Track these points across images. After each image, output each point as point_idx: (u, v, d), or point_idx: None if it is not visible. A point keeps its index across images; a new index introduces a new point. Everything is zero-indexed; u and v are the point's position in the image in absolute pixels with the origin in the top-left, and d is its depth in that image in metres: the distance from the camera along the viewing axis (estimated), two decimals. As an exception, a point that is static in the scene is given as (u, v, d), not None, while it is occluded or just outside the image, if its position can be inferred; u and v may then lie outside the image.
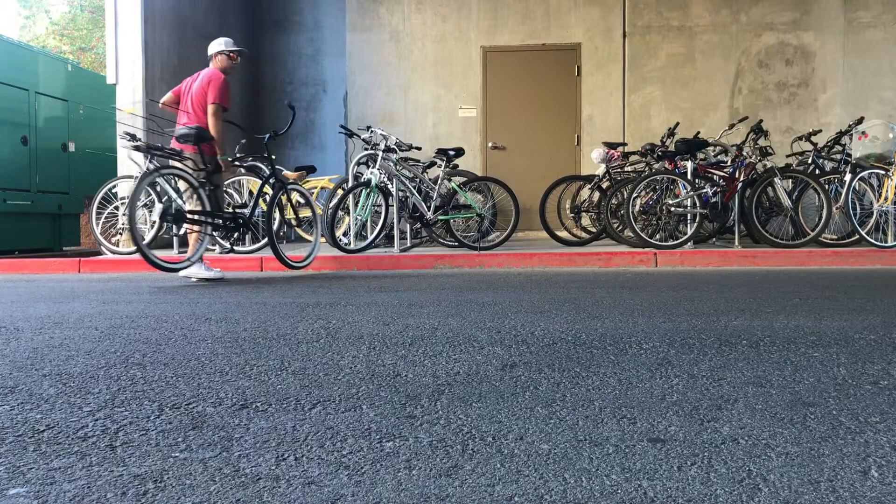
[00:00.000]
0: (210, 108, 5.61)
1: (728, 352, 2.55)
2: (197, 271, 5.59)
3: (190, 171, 5.61)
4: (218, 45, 5.87)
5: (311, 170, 6.56)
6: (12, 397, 2.08)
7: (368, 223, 7.32)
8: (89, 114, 10.48)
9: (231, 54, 5.84)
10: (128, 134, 7.54)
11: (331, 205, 6.85)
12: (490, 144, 10.06)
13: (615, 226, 7.47)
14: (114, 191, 7.73)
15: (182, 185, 6.74)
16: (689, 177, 6.90)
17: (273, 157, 6.03)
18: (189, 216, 5.54)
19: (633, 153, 8.10)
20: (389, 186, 7.10)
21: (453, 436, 1.67)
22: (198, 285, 5.32)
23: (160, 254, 6.00)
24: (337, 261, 6.56)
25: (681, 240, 6.81)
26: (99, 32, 22.74)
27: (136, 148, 5.66)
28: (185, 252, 7.42)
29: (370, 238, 7.15)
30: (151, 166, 5.48)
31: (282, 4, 10.64)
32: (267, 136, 5.85)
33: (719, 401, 1.93)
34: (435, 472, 1.45)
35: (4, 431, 1.76)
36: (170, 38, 8.64)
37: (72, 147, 10.13)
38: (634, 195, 6.89)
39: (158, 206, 5.63)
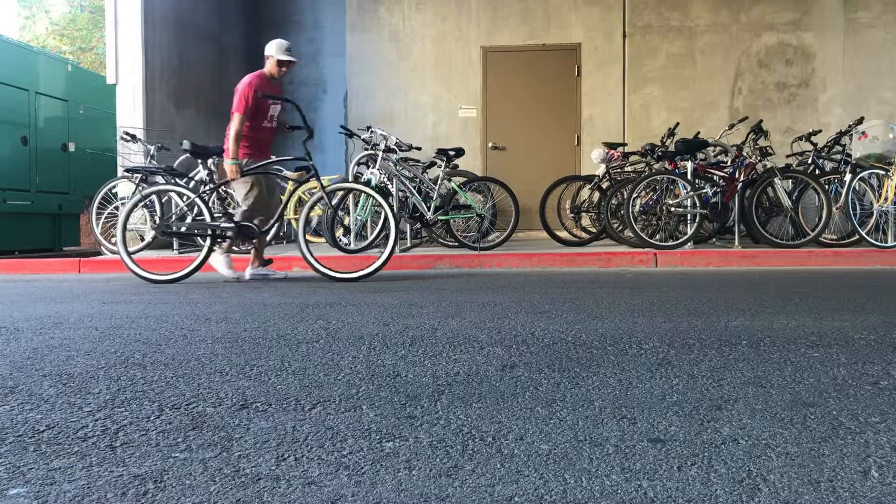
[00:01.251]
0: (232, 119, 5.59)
1: (728, 352, 2.55)
2: (220, 267, 5.63)
3: (183, 186, 5.67)
4: (269, 48, 5.70)
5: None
6: (12, 397, 2.08)
7: (368, 223, 7.32)
8: (89, 114, 10.48)
9: (280, 61, 5.65)
10: (127, 134, 7.55)
11: (332, 204, 6.84)
12: (490, 144, 10.06)
13: (615, 226, 7.47)
14: (114, 191, 7.73)
15: (176, 199, 6.78)
16: (689, 177, 6.90)
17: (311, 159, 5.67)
18: (182, 230, 5.59)
19: (633, 153, 8.09)
20: (389, 186, 7.09)
21: (453, 436, 1.67)
22: (198, 286, 5.32)
23: (154, 254, 5.98)
24: (337, 261, 6.55)
25: (681, 240, 6.81)
26: (99, 32, 22.75)
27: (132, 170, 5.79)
28: (186, 253, 7.42)
29: (370, 238, 7.15)
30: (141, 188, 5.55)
31: (282, 4, 10.64)
32: (306, 135, 5.59)
33: (719, 401, 1.93)
34: (435, 472, 1.45)
35: (4, 431, 1.76)
36: (170, 38, 8.64)
37: (72, 147, 10.13)
38: (634, 195, 6.89)
39: (150, 224, 5.79)
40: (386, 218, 5.72)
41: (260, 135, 5.69)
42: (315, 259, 5.46)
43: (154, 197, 7.30)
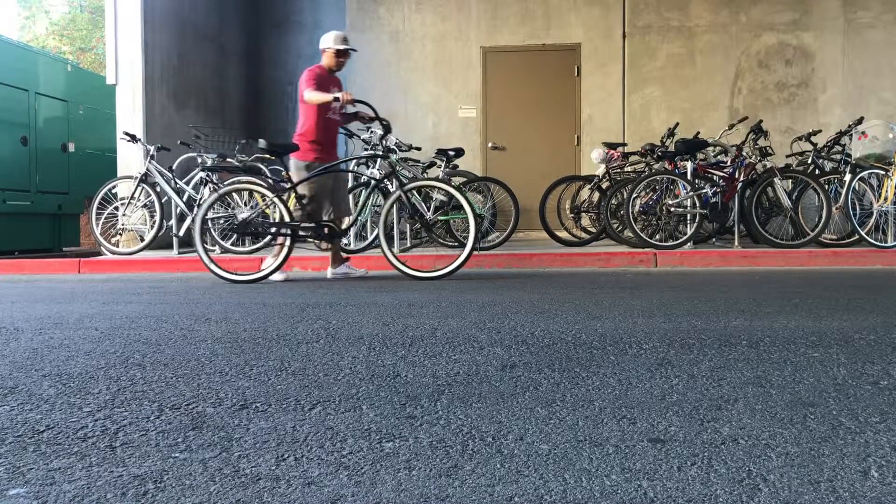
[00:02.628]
0: (304, 105, 5.56)
1: (728, 352, 2.55)
2: (279, 276, 5.62)
3: (260, 184, 5.67)
4: (326, 41, 5.65)
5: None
6: (12, 398, 2.08)
7: (368, 223, 7.32)
8: (89, 114, 10.48)
9: (339, 51, 5.60)
10: (127, 134, 7.56)
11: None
12: (490, 145, 10.06)
13: (615, 226, 7.47)
14: (114, 191, 7.73)
15: (256, 197, 6.79)
16: (688, 177, 6.90)
17: (390, 154, 5.60)
18: (256, 228, 5.64)
19: (633, 153, 8.09)
20: (389, 187, 7.09)
21: (453, 436, 1.67)
22: (196, 286, 5.32)
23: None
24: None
25: (681, 240, 6.81)
26: (99, 33, 22.76)
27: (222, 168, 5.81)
28: (186, 253, 7.42)
29: (370, 238, 7.15)
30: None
31: (282, 5, 10.64)
32: (382, 131, 5.53)
33: (719, 401, 1.93)
34: (435, 472, 1.45)
35: (4, 432, 1.75)
36: (170, 38, 8.64)
37: (72, 147, 10.13)
38: (634, 195, 6.89)
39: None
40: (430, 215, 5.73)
41: (327, 132, 5.67)
42: (396, 258, 5.52)
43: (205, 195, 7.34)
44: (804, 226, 6.98)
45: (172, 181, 7.40)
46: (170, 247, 7.79)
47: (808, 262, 6.46)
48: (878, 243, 6.64)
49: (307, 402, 1.98)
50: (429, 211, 7.20)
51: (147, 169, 7.33)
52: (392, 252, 5.56)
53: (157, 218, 7.26)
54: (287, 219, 5.46)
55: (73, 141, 10.15)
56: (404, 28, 10.21)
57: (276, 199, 5.49)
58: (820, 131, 7.92)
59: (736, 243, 7.02)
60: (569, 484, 1.38)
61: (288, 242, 5.46)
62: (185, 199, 7.43)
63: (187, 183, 7.53)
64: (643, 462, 1.49)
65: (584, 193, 7.93)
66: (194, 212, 5.49)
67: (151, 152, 7.40)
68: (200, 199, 7.33)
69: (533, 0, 10.01)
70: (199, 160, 7.48)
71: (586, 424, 1.74)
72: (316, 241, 5.70)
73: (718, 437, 1.64)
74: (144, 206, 7.54)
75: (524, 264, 6.58)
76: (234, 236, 7.58)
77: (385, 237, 5.54)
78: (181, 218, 7.48)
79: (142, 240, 7.56)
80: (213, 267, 5.46)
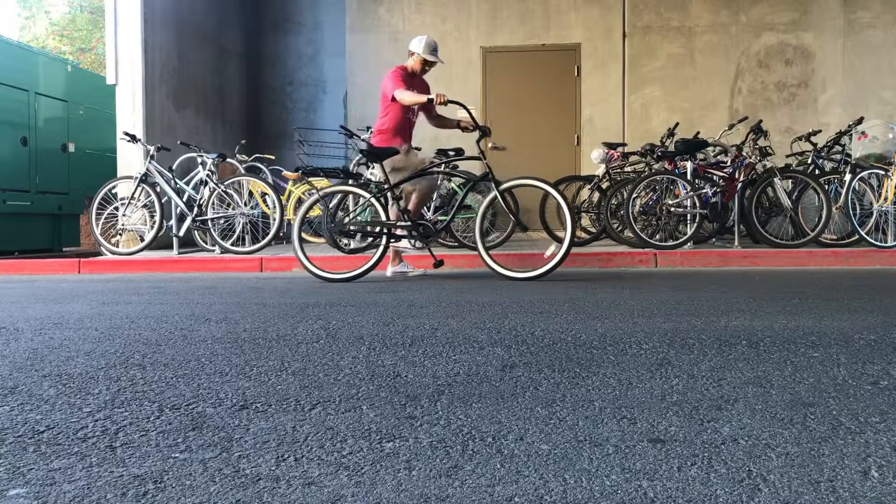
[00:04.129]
0: (388, 103, 5.62)
1: (728, 352, 2.55)
2: (402, 269, 5.89)
3: (358, 186, 5.77)
4: (415, 45, 5.67)
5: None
6: (12, 398, 2.08)
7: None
8: (89, 114, 10.48)
9: (426, 60, 5.68)
10: (127, 134, 7.56)
11: (331, 206, 6.85)
12: (490, 145, 10.06)
13: (615, 226, 7.47)
14: (114, 191, 7.73)
15: (175, 199, 6.80)
16: (688, 177, 6.90)
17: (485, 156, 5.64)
18: (356, 230, 5.77)
19: (633, 153, 8.09)
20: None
21: (453, 436, 1.67)
22: (197, 286, 5.33)
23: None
24: (337, 261, 6.55)
25: (681, 240, 6.80)
26: (99, 33, 22.77)
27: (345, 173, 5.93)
28: (186, 253, 7.42)
29: (371, 238, 7.14)
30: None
31: (282, 5, 10.64)
32: (479, 134, 5.58)
33: (719, 401, 1.93)
34: (435, 472, 1.45)
35: (4, 432, 1.75)
36: (170, 38, 8.64)
37: (72, 148, 10.13)
38: (634, 195, 6.89)
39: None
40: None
41: (406, 131, 5.73)
42: (491, 258, 5.51)
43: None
44: (804, 226, 6.98)
45: (172, 181, 7.40)
46: (170, 247, 7.79)
47: (808, 262, 6.46)
48: (878, 243, 6.64)
49: (307, 403, 1.98)
50: (429, 211, 7.19)
51: (147, 169, 7.34)
52: (487, 251, 5.53)
53: (157, 218, 7.26)
54: (384, 218, 5.53)
55: (73, 141, 10.15)
56: (404, 28, 10.21)
57: (373, 200, 5.55)
58: (820, 131, 7.92)
59: (736, 243, 7.02)
60: (569, 484, 1.38)
61: (384, 241, 5.55)
62: (185, 199, 7.43)
63: (187, 183, 7.54)
64: (643, 462, 1.49)
65: (584, 193, 7.93)
66: (298, 211, 5.65)
67: (151, 152, 7.40)
68: (200, 199, 7.33)
69: (533, 0, 10.01)
70: (199, 160, 7.48)
71: (586, 424, 1.74)
72: (412, 241, 5.74)
73: (718, 437, 1.64)
74: (144, 206, 7.55)
75: (524, 264, 6.57)
76: (234, 236, 7.59)
77: (480, 236, 5.53)
78: (181, 218, 7.48)
79: (142, 240, 7.56)
80: (309, 266, 5.55)
